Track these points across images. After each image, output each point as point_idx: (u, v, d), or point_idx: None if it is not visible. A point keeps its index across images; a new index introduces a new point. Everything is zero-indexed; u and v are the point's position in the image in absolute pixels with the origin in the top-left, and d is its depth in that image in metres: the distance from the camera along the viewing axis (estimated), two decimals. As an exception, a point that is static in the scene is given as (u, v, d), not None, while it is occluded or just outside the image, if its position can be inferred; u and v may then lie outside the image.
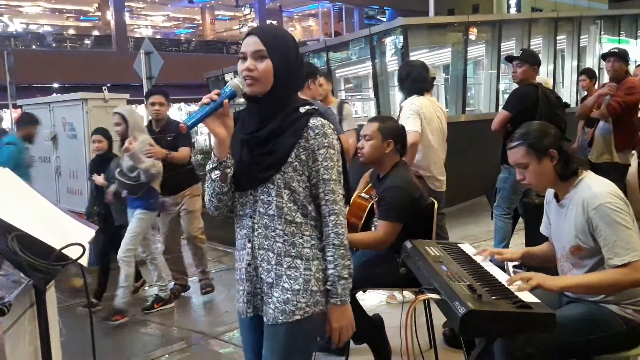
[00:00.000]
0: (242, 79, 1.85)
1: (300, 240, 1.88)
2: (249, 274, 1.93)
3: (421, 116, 4.11)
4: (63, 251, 1.61)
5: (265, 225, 1.88)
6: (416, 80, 4.31)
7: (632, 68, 7.31)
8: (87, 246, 1.67)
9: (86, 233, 1.92)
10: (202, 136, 18.84)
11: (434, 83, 4.87)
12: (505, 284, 2.18)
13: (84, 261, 1.66)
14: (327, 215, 1.87)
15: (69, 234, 1.78)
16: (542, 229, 2.63)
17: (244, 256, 1.94)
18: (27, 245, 1.60)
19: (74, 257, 1.63)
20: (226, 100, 1.81)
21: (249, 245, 1.92)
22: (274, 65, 1.84)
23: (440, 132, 4.35)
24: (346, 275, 1.86)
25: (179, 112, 24.67)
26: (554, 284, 2.23)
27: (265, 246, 1.89)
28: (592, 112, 5.33)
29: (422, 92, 4.32)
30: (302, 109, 1.90)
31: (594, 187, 2.25)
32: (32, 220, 1.70)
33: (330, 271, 1.86)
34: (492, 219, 5.19)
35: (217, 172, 1.88)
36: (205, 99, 1.81)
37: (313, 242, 1.91)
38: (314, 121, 1.86)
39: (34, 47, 23.75)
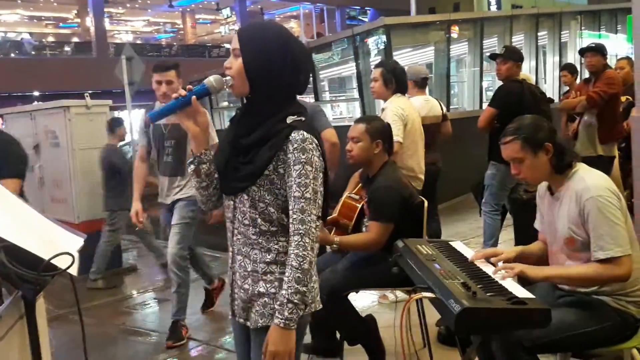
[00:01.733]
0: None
1: (276, 247, 1.85)
2: (230, 278, 1.95)
3: (404, 120, 4.08)
4: (52, 261, 1.57)
5: (243, 233, 1.87)
6: (401, 80, 4.28)
7: (612, 62, 7.40)
8: (76, 255, 1.64)
9: (75, 242, 1.88)
10: (187, 141, 18.72)
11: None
12: (492, 276, 2.19)
13: (73, 270, 1.62)
14: (292, 235, 1.76)
15: (58, 244, 1.75)
16: (537, 225, 2.63)
17: (229, 259, 1.95)
18: (15, 256, 1.57)
19: (63, 267, 1.60)
20: (194, 98, 1.80)
21: (230, 249, 1.94)
22: (245, 63, 1.77)
23: (420, 132, 4.32)
24: (296, 301, 1.72)
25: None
26: (536, 273, 2.26)
27: (243, 252, 1.89)
28: (573, 107, 5.37)
29: (404, 91, 4.34)
30: (289, 119, 1.80)
31: (588, 179, 2.27)
32: (19, 230, 1.67)
33: (282, 292, 1.74)
34: (480, 216, 5.21)
35: (192, 166, 1.90)
36: (174, 94, 1.82)
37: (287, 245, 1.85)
38: (295, 135, 1.77)
39: (12, 55, 23.47)
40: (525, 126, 2.36)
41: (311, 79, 13.40)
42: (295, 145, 1.76)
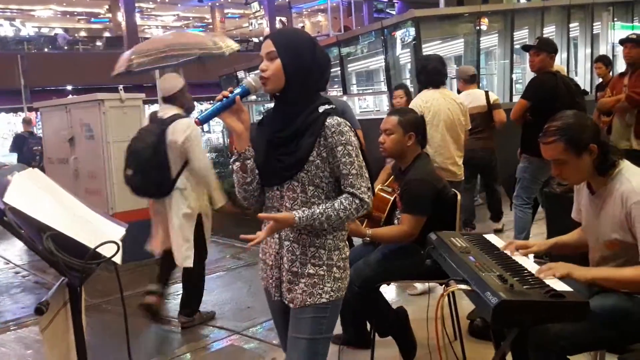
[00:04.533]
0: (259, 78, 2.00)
1: (324, 232, 2.04)
2: (277, 262, 2.09)
3: (421, 111, 4.13)
4: (97, 249, 1.62)
5: None
6: (430, 73, 4.48)
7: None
8: (120, 244, 1.69)
9: (117, 231, 1.93)
10: (215, 134, 18.90)
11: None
12: (528, 269, 2.17)
13: (117, 259, 1.67)
14: (347, 197, 2.00)
15: (101, 232, 1.80)
16: (574, 215, 2.58)
17: (272, 244, 2.10)
18: (61, 245, 1.62)
19: (108, 255, 1.64)
20: (238, 97, 1.96)
21: (276, 236, 2.08)
22: (284, 64, 1.97)
23: (451, 124, 4.44)
24: (316, 223, 1.97)
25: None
26: (583, 274, 2.18)
27: (291, 238, 2.05)
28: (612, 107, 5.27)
29: (437, 85, 4.45)
30: (321, 109, 2.02)
31: (634, 180, 2.19)
32: (64, 219, 1.72)
33: (315, 210, 1.96)
34: (511, 209, 5.17)
35: (237, 163, 2.05)
36: (219, 96, 1.98)
37: (335, 232, 2.07)
38: (330, 120, 1.99)
39: (46, 50, 23.89)
40: (569, 126, 2.23)
41: (339, 72, 13.43)
42: (333, 130, 1.98)
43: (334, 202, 2.00)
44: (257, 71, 2.05)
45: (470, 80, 6.01)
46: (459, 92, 6.00)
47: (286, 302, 2.09)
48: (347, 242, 2.15)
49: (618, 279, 2.21)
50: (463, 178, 4.66)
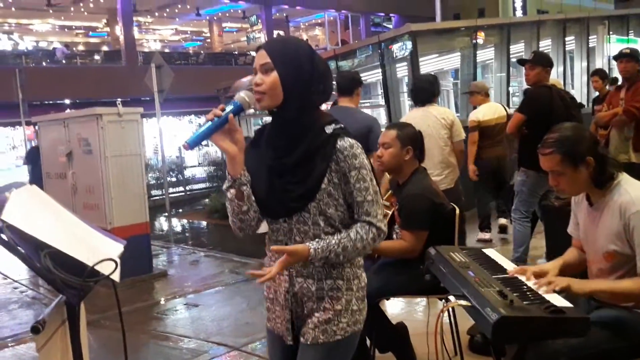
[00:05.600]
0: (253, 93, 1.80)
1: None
2: (288, 301, 1.89)
3: None
4: (95, 267, 1.61)
5: None
6: (417, 92, 4.78)
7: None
8: (118, 261, 1.67)
9: (115, 248, 1.92)
10: (214, 147, 18.91)
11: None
12: (528, 284, 2.16)
13: (116, 277, 1.66)
14: (363, 226, 1.83)
15: (99, 250, 1.79)
16: (570, 230, 2.58)
17: (281, 282, 1.89)
18: (59, 262, 1.61)
19: (106, 273, 1.63)
20: (231, 115, 1.75)
21: (286, 272, 1.86)
22: (281, 76, 1.76)
23: (429, 139, 4.27)
24: (331, 255, 1.78)
25: (189, 125, 24.76)
26: (582, 287, 2.18)
27: (304, 274, 1.85)
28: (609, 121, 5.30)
29: (424, 102, 4.72)
30: (328, 129, 1.82)
31: (632, 191, 2.19)
32: (62, 236, 1.71)
33: (331, 240, 1.78)
34: (510, 222, 5.16)
35: (232, 190, 1.83)
36: (209, 115, 1.76)
37: (352, 260, 1.89)
38: (342, 143, 1.79)
39: (44, 64, 23.95)
40: (566, 138, 2.25)
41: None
42: (346, 153, 1.79)
43: (349, 231, 1.81)
44: (247, 79, 1.88)
45: (487, 94, 6.53)
46: (474, 107, 6.46)
47: (302, 340, 1.89)
48: (362, 271, 1.97)
49: (616, 291, 2.21)
50: (452, 186, 4.72)
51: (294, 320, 1.90)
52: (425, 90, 4.70)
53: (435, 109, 4.77)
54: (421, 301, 4.36)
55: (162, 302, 5.66)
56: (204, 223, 11.56)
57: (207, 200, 12.79)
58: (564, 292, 2.12)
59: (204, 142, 1.79)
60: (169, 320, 5.09)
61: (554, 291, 2.09)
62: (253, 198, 1.85)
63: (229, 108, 1.78)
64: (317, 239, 1.79)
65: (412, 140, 3.15)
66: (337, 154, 1.79)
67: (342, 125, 1.86)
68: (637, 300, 2.22)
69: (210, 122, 1.75)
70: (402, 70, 11.76)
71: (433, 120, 4.67)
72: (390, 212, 3.33)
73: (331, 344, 1.84)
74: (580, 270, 2.42)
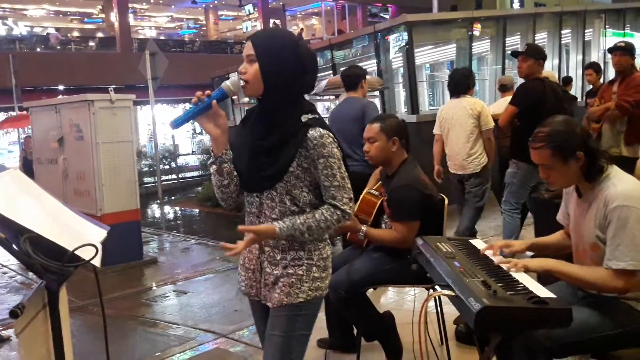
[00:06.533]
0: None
1: None
2: (258, 266, 2.09)
3: (440, 119, 5.30)
4: (76, 252, 1.60)
5: None
6: (449, 85, 5.35)
7: (638, 62, 7.27)
8: (99, 247, 1.66)
9: (98, 233, 1.91)
10: (207, 136, 18.84)
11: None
12: (513, 275, 2.17)
13: (97, 262, 1.65)
14: (328, 208, 2.00)
15: (81, 235, 1.78)
16: (559, 218, 2.59)
17: (253, 250, 2.10)
18: (40, 247, 1.60)
19: (87, 258, 1.62)
20: (214, 101, 1.92)
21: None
22: (262, 70, 1.91)
23: (458, 126, 5.15)
24: (296, 233, 1.96)
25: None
26: (539, 264, 2.27)
27: (271, 244, 2.05)
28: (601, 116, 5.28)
29: (458, 94, 5.21)
30: (304, 118, 1.98)
31: (619, 185, 2.20)
32: (43, 221, 1.70)
33: (296, 220, 1.96)
34: (501, 214, 5.18)
35: (214, 166, 2.04)
36: (194, 99, 1.93)
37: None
38: (312, 132, 1.95)
39: (38, 49, 23.77)
40: (556, 133, 2.25)
41: (332, 75, 13.40)
42: (315, 142, 1.95)
43: (315, 212, 1.99)
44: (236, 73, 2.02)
45: (504, 88, 6.62)
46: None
47: (264, 303, 2.10)
48: (328, 242, 2.14)
49: (569, 274, 2.25)
50: (477, 171, 5.12)
51: (262, 282, 2.08)
52: (461, 84, 5.19)
53: (467, 100, 5.15)
54: (410, 291, 4.36)
55: (152, 288, 5.67)
56: (196, 211, 11.55)
57: (199, 188, 12.77)
58: (523, 271, 2.20)
59: (199, 131, 1.88)
60: (158, 306, 5.09)
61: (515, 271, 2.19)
62: (235, 174, 2.06)
63: (213, 94, 1.92)
64: (284, 219, 1.97)
65: (397, 130, 3.15)
66: (307, 141, 1.95)
67: (317, 116, 2.01)
68: (589, 287, 2.28)
69: (194, 106, 1.93)
70: (397, 61, 11.73)
71: (462, 110, 5.12)
72: (378, 201, 3.33)
73: (294, 305, 2.02)
74: (562, 253, 2.42)
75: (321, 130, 1.96)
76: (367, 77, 5.07)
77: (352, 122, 4.58)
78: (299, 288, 2.02)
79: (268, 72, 1.92)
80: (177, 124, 1.92)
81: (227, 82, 1.96)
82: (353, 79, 4.85)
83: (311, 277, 2.04)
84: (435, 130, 5.41)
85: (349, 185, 2.01)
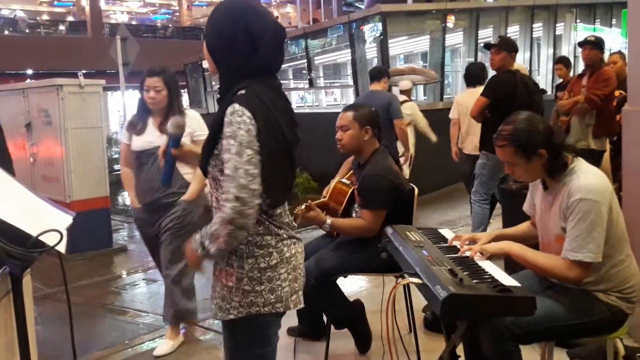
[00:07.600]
0: None
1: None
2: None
3: (458, 104, 5.80)
4: (41, 238, 1.57)
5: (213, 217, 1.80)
6: (465, 77, 5.99)
7: (607, 56, 7.40)
8: (64, 232, 1.64)
9: (64, 219, 1.88)
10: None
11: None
12: (479, 263, 2.21)
13: (61, 248, 1.62)
14: (223, 205, 1.68)
15: (46, 221, 1.75)
16: (525, 208, 2.64)
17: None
18: (2, 232, 1.57)
19: (52, 244, 1.60)
20: (173, 150, 2.22)
21: None
22: (207, 44, 1.77)
23: (467, 113, 5.34)
24: (211, 247, 1.69)
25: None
26: (498, 247, 2.32)
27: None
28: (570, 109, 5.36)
29: (474, 84, 5.66)
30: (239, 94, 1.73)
31: (583, 178, 2.24)
32: (7, 206, 1.66)
33: (207, 226, 1.73)
34: (470, 204, 5.24)
35: None
36: (160, 155, 2.23)
37: (250, 238, 1.76)
38: (230, 108, 1.67)
39: (6, 32, 23.20)
40: (519, 131, 2.28)
41: (306, 64, 13.36)
42: (225, 119, 1.67)
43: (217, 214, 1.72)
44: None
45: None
46: None
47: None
48: (269, 251, 1.79)
49: (525, 259, 2.30)
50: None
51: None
52: (476, 75, 5.75)
53: (481, 89, 5.16)
54: (380, 279, 4.40)
55: (121, 276, 5.61)
56: (168, 199, 11.43)
57: (171, 176, 12.63)
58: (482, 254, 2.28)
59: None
60: (127, 295, 5.05)
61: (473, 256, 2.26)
62: None
63: (169, 146, 2.25)
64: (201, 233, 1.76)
65: (370, 120, 3.15)
66: (225, 118, 1.68)
67: (244, 92, 1.71)
68: (544, 274, 2.35)
69: (167, 162, 2.26)
70: (371, 52, 11.75)
71: (473, 100, 5.17)
72: (350, 190, 3.35)
73: (229, 322, 1.81)
74: (529, 244, 2.47)
75: (236, 106, 1.65)
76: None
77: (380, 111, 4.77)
78: (229, 303, 1.78)
79: (211, 47, 1.77)
80: (166, 181, 2.29)
81: (170, 129, 2.15)
82: (378, 73, 6.18)
83: (241, 291, 1.76)
84: (453, 115, 5.87)
85: (246, 181, 1.63)
